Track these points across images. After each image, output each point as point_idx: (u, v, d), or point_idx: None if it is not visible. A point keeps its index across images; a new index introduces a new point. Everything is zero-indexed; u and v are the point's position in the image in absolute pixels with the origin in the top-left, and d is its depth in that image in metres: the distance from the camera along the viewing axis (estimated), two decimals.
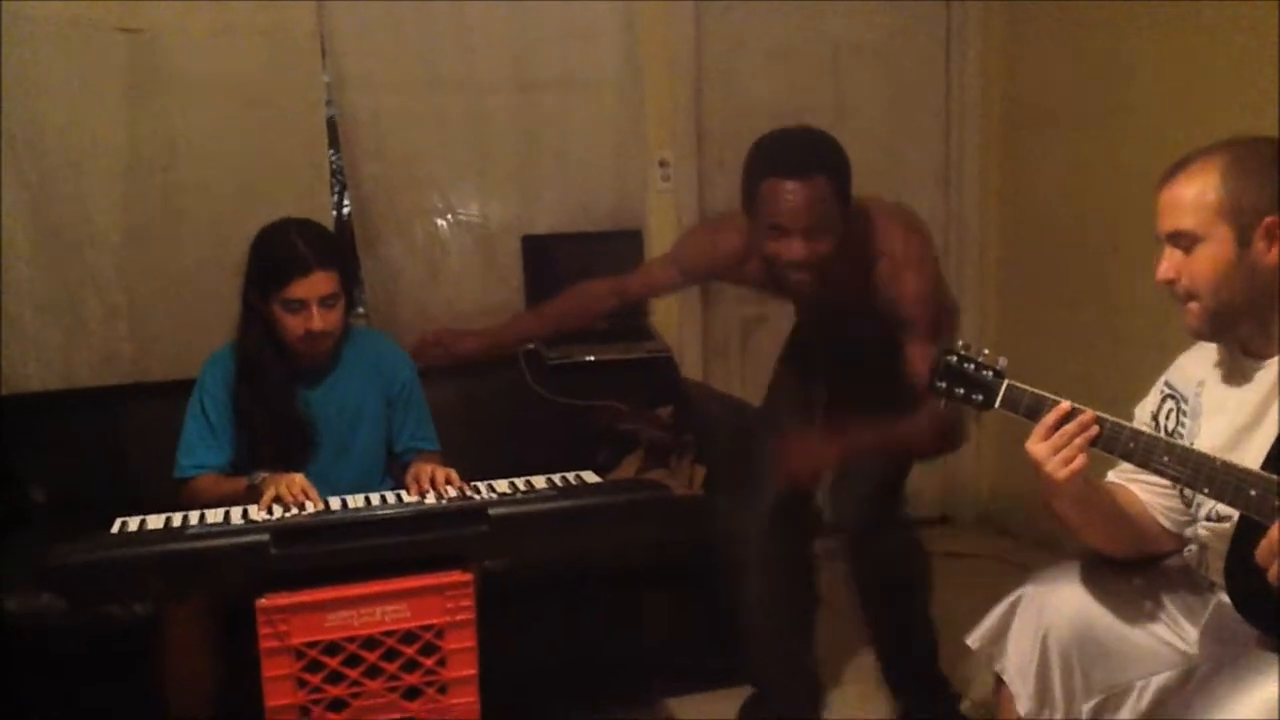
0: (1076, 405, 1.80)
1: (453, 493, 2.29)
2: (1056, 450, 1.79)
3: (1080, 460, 1.78)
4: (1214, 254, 1.79)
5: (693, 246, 2.92)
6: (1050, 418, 1.80)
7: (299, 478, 2.29)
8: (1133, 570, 1.97)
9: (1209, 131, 1.90)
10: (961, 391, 1.91)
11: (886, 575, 2.77)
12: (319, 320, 2.48)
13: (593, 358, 3.54)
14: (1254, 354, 1.85)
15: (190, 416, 2.58)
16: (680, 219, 3.93)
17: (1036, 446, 1.81)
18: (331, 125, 3.56)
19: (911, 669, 2.86)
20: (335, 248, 2.61)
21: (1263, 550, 1.64)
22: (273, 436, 2.55)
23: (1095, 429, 1.78)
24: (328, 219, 3.54)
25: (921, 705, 2.83)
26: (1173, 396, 1.97)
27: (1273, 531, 1.63)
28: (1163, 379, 2.01)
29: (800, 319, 2.93)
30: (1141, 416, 2.00)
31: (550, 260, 3.72)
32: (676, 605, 3.03)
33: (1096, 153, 3.77)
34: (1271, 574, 1.63)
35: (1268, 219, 1.76)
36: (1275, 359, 1.81)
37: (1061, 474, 1.79)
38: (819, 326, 2.83)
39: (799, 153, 2.43)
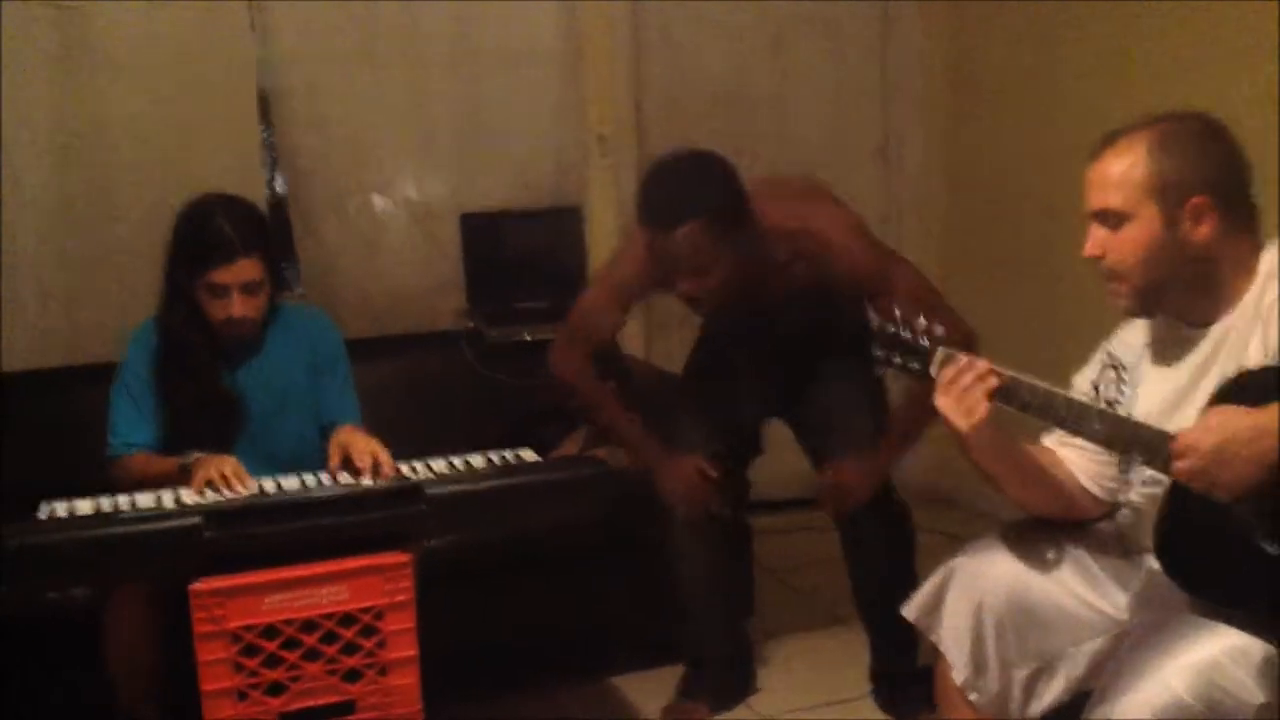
0: (974, 358, 1.85)
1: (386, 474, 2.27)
2: (960, 402, 1.82)
3: (982, 410, 1.82)
4: (1140, 233, 1.79)
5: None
6: (948, 371, 1.84)
7: (231, 459, 2.26)
8: (1064, 538, 1.99)
9: (1147, 103, 1.90)
10: (899, 360, 1.92)
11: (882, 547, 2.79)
12: (239, 307, 2.45)
13: (534, 336, 3.53)
14: (1194, 323, 1.85)
15: (116, 394, 2.53)
16: (620, 195, 3.91)
17: (941, 400, 1.85)
18: (264, 100, 3.50)
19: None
20: (261, 230, 2.55)
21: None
22: (199, 413, 2.51)
23: (994, 380, 1.81)
24: (260, 195, 3.46)
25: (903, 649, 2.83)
26: (1113, 366, 1.98)
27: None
28: (1104, 347, 2.02)
29: (709, 330, 2.88)
30: (1080, 384, 2.01)
31: (490, 238, 3.70)
32: (620, 581, 3.02)
33: (1036, 125, 3.79)
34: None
35: (1194, 198, 1.76)
36: (1213, 327, 1.83)
37: (965, 424, 1.82)
38: (734, 336, 2.78)
39: (670, 201, 2.38)
